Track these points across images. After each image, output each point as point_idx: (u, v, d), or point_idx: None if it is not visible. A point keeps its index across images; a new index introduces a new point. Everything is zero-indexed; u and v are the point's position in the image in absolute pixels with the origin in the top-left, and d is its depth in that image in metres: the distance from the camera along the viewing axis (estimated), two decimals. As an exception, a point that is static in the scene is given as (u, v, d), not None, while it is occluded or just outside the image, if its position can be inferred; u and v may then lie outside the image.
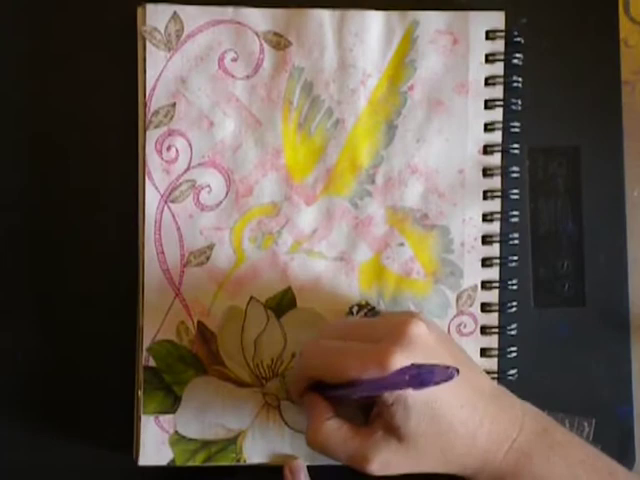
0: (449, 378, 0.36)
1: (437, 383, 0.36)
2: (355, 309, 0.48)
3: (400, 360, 0.39)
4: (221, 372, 0.48)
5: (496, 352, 0.49)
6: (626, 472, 0.44)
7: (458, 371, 0.36)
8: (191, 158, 0.48)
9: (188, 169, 0.48)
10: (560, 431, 0.44)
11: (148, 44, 0.48)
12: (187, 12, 0.48)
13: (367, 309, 0.48)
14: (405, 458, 0.42)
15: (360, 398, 0.42)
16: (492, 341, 0.49)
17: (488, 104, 0.49)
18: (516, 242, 0.49)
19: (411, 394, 0.40)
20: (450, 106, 0.49)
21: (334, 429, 0.43)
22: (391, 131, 0.49)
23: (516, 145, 0.49)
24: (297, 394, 0.46)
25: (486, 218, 0.49)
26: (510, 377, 0.49)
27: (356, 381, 0.40)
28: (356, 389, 0.41)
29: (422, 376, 0.37)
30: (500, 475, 0.42)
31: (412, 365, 0.38)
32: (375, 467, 0.42)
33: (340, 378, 0.41)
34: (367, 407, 0.44)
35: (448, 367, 0.36)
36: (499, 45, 0.49)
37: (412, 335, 0.41)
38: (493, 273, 0.49)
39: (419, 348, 0.40)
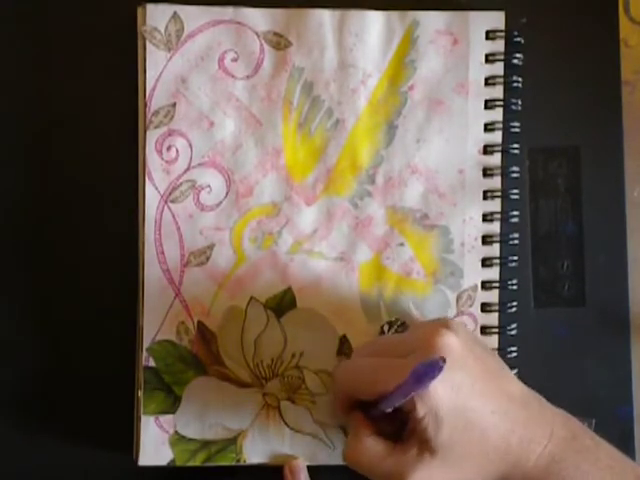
0: (439, 367, 0.36)
1: (433, 377, 0.37)
2: (386, 327, 0.48)
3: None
4: (221, 372, 0.48)
5: (496, 352, 0.49)
6: None
7: (444, 360, 0.37)
8: (191, 158, 0.48)
9: (188, 169, 0.48)
10: (589, 436, 0.43)
11: (148, 44, 0.48)
12: (187, 12, 0.48)
13: (397, 325, 0.48)
14: (441, 472, 0.42)
15: (399, 415, 0.42)
16: (492, 341, 0.49)
17: (488, 104, 0.49)
18: (516, 242, 0.49)
19: (441, 405, 0.40)
20: (450, 106, 0.49)
21: (370, 447, 0.43)
22: (391, 131, 0.49)
23: (516, 145, 0.49)
24: (341, 414, 0.46)
25: (486, 218, 0.49)
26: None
27: (385, 395, 0.41)
28: (383, 402, 0.41)
29: (419, 374, 0.37)
30: (534, 476, 0.42)
31: (415, 367, 0.38)
32: None
33: (370, 393, 0.42)
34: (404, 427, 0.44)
35: (435, 358, 0.37)
36: (499, 45, 0.49)
37: (440, 346, 0.41)
38: (493, 273, 0.49)
39: (447, 358, 0.40)
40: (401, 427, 0.43)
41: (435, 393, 0.40)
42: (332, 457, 0.48)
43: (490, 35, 0.49)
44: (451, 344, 0.41)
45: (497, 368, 0.44)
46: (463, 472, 0.42)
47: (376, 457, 0.43)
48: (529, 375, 0.47)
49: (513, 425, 0.42)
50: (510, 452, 0.41)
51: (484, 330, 0.49)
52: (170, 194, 0.48)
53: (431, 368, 0.37)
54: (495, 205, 0.49)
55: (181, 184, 0.48)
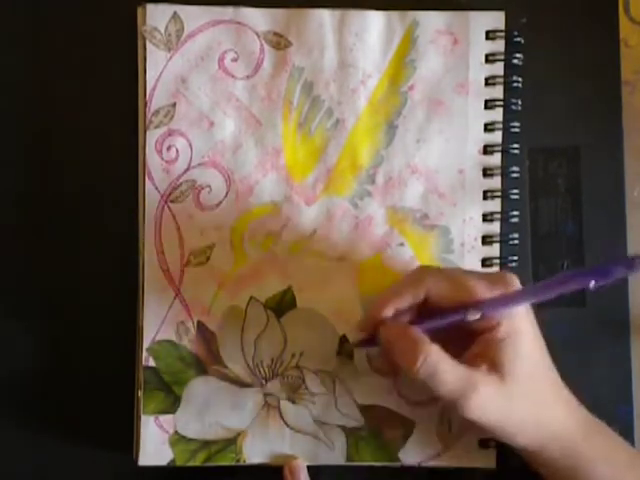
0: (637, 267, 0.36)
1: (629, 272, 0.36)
2: None
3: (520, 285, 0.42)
4: (221, 372, 0.48)
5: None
6: None
7: None
8: (191, 158, 0.48)
9: (188, 169, 0.48)
10: (608, 429, 0.45)
11: (148, 44, 0.48)
12: (187, 12, 0.48)
13: None
14: (502, 402, 0.41)
15: (454, 332, 0.42)
16: (492, 341, 0.49)
17: (488, 104, 0.49)
18: (516, 242, 0.49)
19: (524, 332, 0.41)
20: (450, 106, 0.49)
21: (441, 357, 0.41)
22: (391, 131, 0.49)
23: (516, 145, 0.49)
24: (381, 311, 0.43)
25: (486, 218, 0.49)
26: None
27: (475, 303, 0.41)
28: (487, 305, 0.41)
29: (608, 268, 0.37)
30: (570, 448, 0.43)
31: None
32: (473, 404, 0.40)
33: (461, 297, 0.41)
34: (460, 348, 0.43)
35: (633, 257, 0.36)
36: (499, 45, 0.49)
37: (517, 285, 0.42)
38: (493, 273, 0.49)
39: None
40: (453, 344, 0.42)
41: (520, 320, 0.41)
42: (332, 457, 0.48)
43: (490, 35, 0.49)
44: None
45: None
46: (520, 412, 0.42)
47: (445, 367, 0.41)
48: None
49: (568, 393, 0.43)
50: (561, 413, 0.43)
51: (484, 330, 0.49)
52: (170, 194, 0.48)
53: (628, 263, 0.36)
54: (495, 205, 0.49)
55: (181, 184, 0.48)
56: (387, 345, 0.43)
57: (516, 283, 0.42)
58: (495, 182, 0.49)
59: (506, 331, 0.41)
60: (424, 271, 0.44)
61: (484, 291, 0.41)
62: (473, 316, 0.41)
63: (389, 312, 0.43)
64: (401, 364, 0.42)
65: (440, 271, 0.44)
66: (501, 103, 0.49)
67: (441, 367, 0.41)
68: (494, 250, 0.49)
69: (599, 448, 0.43)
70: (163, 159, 0.48)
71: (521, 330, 0.41)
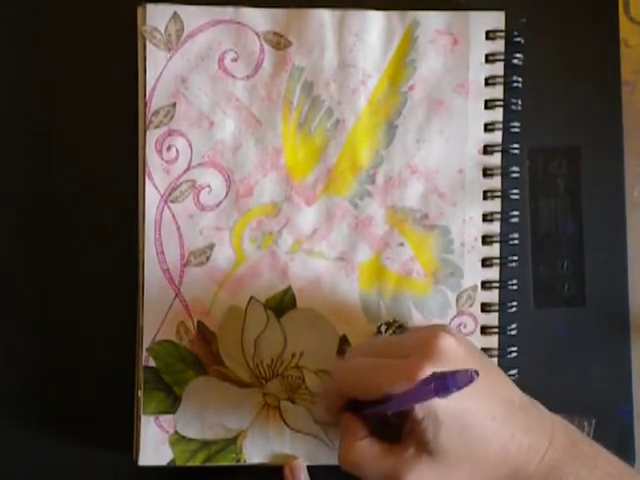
0: (470, 381, 0.35)
1: (460, 387, 0.36)
2: (383, 328, 0.48)
3: (429, 373, 0.39)
4: (221, 372, 0.48)
5: (496, 352, 0.49)
6: None
7: (477, 373, 0.35)
8: (191, 158, 0.48)
9: (188, 169, 0.48)
10: (587, 443, 0.43)
11: (148, 44, 0.48)
12: (187, 12, 0.48)
13: (395, 326, 0.48)
14: (438, 474, 0.41)
15: (393, 415, 0.42)
16: (492, 341, 0.49)
17: (488, 104, 0.49)
18: (516, 242, 0.49)
19: (441, 408, 0.40)
20: (450, 106, 0.49)
21: (366, 448, 0.42)
22: (391, 131, 0.49)
23: (516, 145, 0.49)
24: (332, 414, 0.46)
25: (486, 218, 0.49)
26: (510, 377, 0.48)
27: (387, 397, 0.40)
28: (387, 405, 0.41)
29: (446, 382, 0.36)
30: None
31: (433, 374, 0.37)
32: None
33: (372, 394, 0.41)
34: (402, 425, 0.43)
35: (467, 370, 0.35)
36: (499, 45, 0.49)
37: (440, 348, 0.40)
38: (493, 273, 0.49)
39: (448, 360, 0.40)
40: (393, 427, 0.43)
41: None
42: (332, 457, 0.48)
43: (490, 35, 0.49)
44: (451, 346, 0.41)
45: (496, 373, 0.43)
46: (461, 475, 0.42)
47: (372, 458, 0.42)
48: (529, 375, 0.47)
49: (513, 431, 0.41)
50: (510, 458, 0.41)
51: (484, 330, 0.49)
52: (170, 194, 0.48)
53: (459, 379, 0.36)
54: (495, 205, 0.49)
55: (181, 184, 0.48)
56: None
57: (420, 374, 0.39)
58: (495, 182, 0.49)
59: (422, 411, 0.40)
60: (337, 374, 0.44)
61: (388, 387, 0.40)
62: (390, 410, 0.41)
63: (333, 413, 0.45)
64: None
65: (351, 370, 0.43)
66: (501, 103, 0.49)
67: (365, 460, 0.42)
68: (494, 250, 0.49)
69: (570, 478, 0.42)
70: (163, 159, 0.48)
71: (436, 407, 0.40)
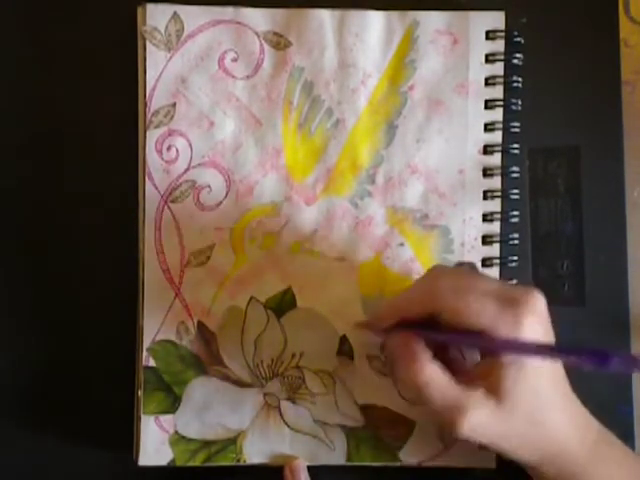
0: (633, 368, 0.35)
1: (610, 369, 0.34)
2: (466, 267, 0.46)
3: (532, 327, 0.39)
4: (221, 372, 0.48)
5: (496, 352, 0.49)
6: None
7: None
8: (191, 158, 0.48)
9: (188, 169, 0.48)
10: (620, 444, 0.45)
11: (148, 44, 0.48)
12: (187, 12, 0.48)
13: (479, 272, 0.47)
14: (497, 425, 0.41)
15: (461, 348, 0.42)
16: (492, 341, 0.49)
17: (488, 104, 0.49)
18: (516, 242, 0.49)
19: (528, 362, 0.40)
20: (450, 106, 0.49)
21: (439, 372, 0.41)
22: (391, 131, 0.49)
23: (516, 145, 0.49)
24: (384, 322, 0.43)
25: (486, 218, 0.49)
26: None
27: (484, 332, 0.39)
28: (480, 340, 0.40)
29: (596, 354, 0.34)
30: (570, 472, 0.43)
31: (583, 348, 0.36)
32: (467, 424, 0.40)
33: (467, 322, 0.40)
34: (461, 364, 0.43)
35: (635, 357, 0.35)
36: (499, 45, 0.49)
37: (540, 307, 0.41)
38: (493, 273, 0.49)
39: (544, 322, 0.41)
40: (449, 360, 0.42)
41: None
42: (332, 457, 0.48)
43: (490, 35, 0.49)
44: (546, 311, 0.41)
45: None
46: (515, 435, 0.42)
47: (442, 384, 0.41)
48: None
49: (572, 412, 0.43)
50: (563, 435, 0.42)
51: (484, 330, 0.49)
52: (170, 194, 0.48)
53: (625, 361, 0.34)
54: (495, 205, 0.49)
55: (181, 184, 0.48)
56: (390, 352, 0.43)
57: (526, 323, 0.39)
58: (495, 182, 0.49)
59: (510, 358, 0.40)
60: (434, 286, 0.42)
61: (490, 319, 0.39)
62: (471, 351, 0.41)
63: (394, 321, 0.43)
64: (397, 374, 0.42)
65: (451, 288, 0.41)
66: (501, 103, 0.49)
67: (434, 384, 0.41)
68: (494, 250, 0.49)
69: (603, 473, 0.43)
70: (163, 159, 0.48)
71: (526, 359, 0.40)
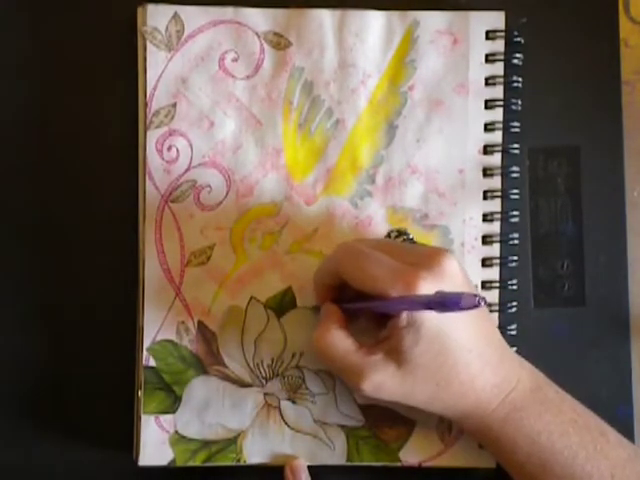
0: (476, 305, 0.36)
1: (462, 309, 0.36)
2: (393, 234, 0.48)
3: (427, 286, 0.40)
4: (221, 372, 0.48)
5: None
6: (617, 434, 0.45)
7: (485, 300, 0.36)
8: (191, 158, 0.48)
9: (188, 169, 0.48)
10: (554, 389, 0.45)
11: (149, 44, 0.48)
12: (188, 12, 0.48)
13: (405, 236, 0.48)
14: (400, 384, 0.42)
15: (372, 316, 0.43)
16: (492, 341, 0.49)
17: (488, 104, 0.49)
18: (516, 242, 0.49)
19: (426, 323, 0.41)
20: (450, 106, 0.49)
21: (339, 339, 0.43)
22: (391, 131, 0.49)
23: (516, 145, 0.49)
24: (320, 295, 0.46)
25: (486, 218, 0.49)
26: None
27: (380, 295, 0.41)
28: (378, 303, 0.42)
29: (447, 300, 0.36)
30: (487, 425, 0.43)
31: (439, 292, 0.38)
32: (367, 386, 0.42)
33: (366, 285, 0.42)
34: (377, 330, 0.44)
35: (475, 295, 0.36)
36: (499, 45, 0.49)
37: (444, 267, 0.41)
38: (493, 273, 0.49)
39: (449, 281, 0.41)
40: (367, 330, 0.44)
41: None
42: (332, 457, 0.48)
43: (490, 35, 0.49)
44: (454, 270, 0.42)
45: (484, 309, 0.45)
46: (420, 394, 0.43)
47: (342, 350, 0.43)
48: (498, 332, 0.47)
49: (484, 367, 0.42)
50: (472, 393, 0.42)
51: (484, 330, 0.49)
52: (170, 194, 0.48)
53: (465, 301, 0.36)
54: (495, 205, 0.49)
55: (181, 184, 0.48)
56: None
57: (419, 285, 0.40)
58: (495, 182, 0.49)
59: (407, 319, 0.41)
60: (337, 255, 0.44)
61: (384, 285, 0.41)
62: (379, 309, 0.43)
63: (321, 296, 0.46)
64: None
65: (350, 255, 0.43)
66: (501, 103, 0.49)
67: (335, 349, 0.43)
68: (494, 250, 0.49)
69: (527, 425, 0.43)
70: (163, 159, 0.48)
71: (422, 320, 0.41)
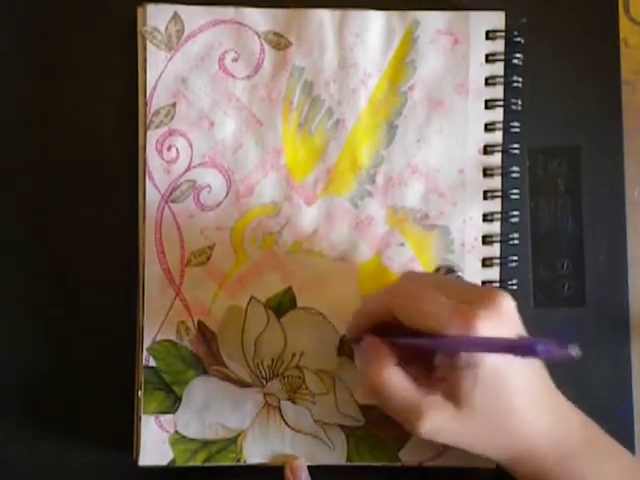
0: (570, 357, 0.35)
1: (554, 357, 0.35)
2: (443, 271, 0.48)
3: (486, 326, 0.39)
4: (221, 372, 0.48)
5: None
6: None
7: (577, 353, 0.35)
8: (191, 158, 0.48)
9: (188, 169, 0.48)
10: (607, 439, 0.44)
11: (149, 44, 0.48)
12: (188, 12, 0.48)
13: (453, 274, 0.48)
14: (457, 427, 0.41)
15: (426, 353, 0.42)
16: (492, 341, 0.49)
17: (488, 104, 0.49)
18: (516, 242, 0.49)
19: (486, 365, 0.40)
20: (450, 106, 0.49)
21: (397, 377, 0.42)
22: (391, 131, 0.49)
23: (516, 145, 0.49)
24: (360, 329, 0.45)
25: (486, 218, 0.49)
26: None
27: (436, 333, 0.40)
28: (432, 341, 0.40)
29: (542, 348, 0.35)
30: (540, 471, 0.43)
31: (522, 337, 0.37)
32: (426, 428, 0.41)
33: (420, 323, 0.41)
34: (424, 368, 0.43)
35: (572, 346, 0.35)
36: (499, 45, 0.49)
37: (502, 306, 0.40)
38: (493, 273, 0.49)
39: (507, 321, 0.40)
40: (417, 365, 0.43)
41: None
42: (332, 457, 0.48)
43: (490, 35, 0.49)
44: (512, 310, 0.41)
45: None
46: (477, 437, 0.42)
47: (400, 389, 0.41)
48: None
49: (540, 413, 0.42)
50: (528, 437, 0.42)
51: (484, 330, 0.49)
52: (170, 194, 0.48)
53: (557, 349, 0.35)
54: (495, 205, 0.49)
55: (181, 184, 0.48)
56: (358, 358, 0.45)
57: (478, 324, 0.39)
58: (495, 182, 0.49)
59: (466, 360, 0.40)
60: (390, 291, 0.43)
61: (441, 324, 0.40)
62: (439, 348, 0.41)
63: (361, 329, 0.45)
64: (361, 377, 0.44)
65: (404, 292, 0.42)
66: (501, 103, 0.49)
67: (393, 387, 0.41)
68: (494, 250, 0.49)
69: (581, 473, 0.42)
70: (163, 159, 0.48)
71: (482, 362, 0.40)
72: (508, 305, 0.41)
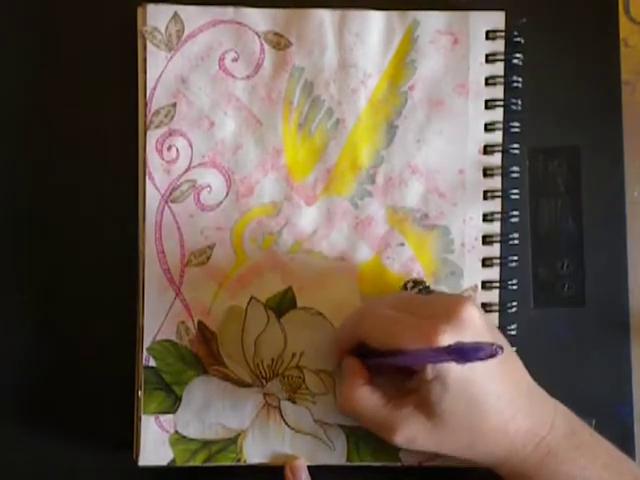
0: (493, 355, 0.35)
1: (481, 359, 0.36)
2: (410, 285, 0.48)
3: (448, 339, 0.40)
4: (221, 372, 0.48)
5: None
6: None
7: (502, 349, 0.36)
8: (191, 158, 0.48)
9: (188, 169, 0.48)
10: (588, 433, 0.44)
11: (149, 44, 0.48)
12: (188, 12, 0.48)
13: (422, 286, 0.48)
14: (432, 436, 0.42)
15: (398, 370, 0.43)
16: (492, 341, 0.49)
17: (488, 104, 0.49)
18: (516, 242, 0.49)
19: (452, 374, 0.40)
20: (450, 106, 0.49)
21: (366, 395, 0.44)
22: (391, 131, 0.49)
23: (516, 145, 0.49)
24: (337, 356, 0.47)
25: (486, 218, 0.49)
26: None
27: (400, 351, 0.41)
28: (400, 358, 0.41)
29: (466, 351, 0.36)
30: (522, 470, 0.43)
31: (457, 343, 0.38)
32: (400, 439, 0.43)
33: (386, 344, 0.42)
34: (402, 382, 0.44)
35: (492, 344, 0.36)
36: (499, 45, 0.49)
37: (463, 317, 0.41)
38: (493, 273, 0.49)
39: (469, 331, 0.41)
40: (393, 382, 0.44)
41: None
42: (332, 457, 0.48)
43: (490, 35, 0.49)
44: (474, 318, 0.41)
45: (510, 353, 0.44)
46: (453, 444, 0.43)
47: (371, 406, 0.43)
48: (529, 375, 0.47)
49: (515, 413, 0.42)
50: (506, 439, 0.42)
51: (484, 330, 0.49)
52: (170, 194, 0.48)
53: (483, 351, 0.36)
54: (495, 205, 0.49)
55: (181, 184, 0.48)
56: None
57: (439, 338, 0.40)
58: (495, 182, 0.49)
59: (432, 372, 0.41)
60: (361, 317, 0.45)
61: (406, 343, 0.41)
62: (401, 363, 0.43)
63: (340, 357, 0.47)
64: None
65: (374, 317, 0.44)
66: (501, 103, 0.49)
67: (363, 406, 0.44)
68: (494, 250, 0.49)
69: (561, 469, 0.43)
70: (163, 159, 0.48)
71: (447, 372, 0.41)
72: (470, 314, 0.41)
